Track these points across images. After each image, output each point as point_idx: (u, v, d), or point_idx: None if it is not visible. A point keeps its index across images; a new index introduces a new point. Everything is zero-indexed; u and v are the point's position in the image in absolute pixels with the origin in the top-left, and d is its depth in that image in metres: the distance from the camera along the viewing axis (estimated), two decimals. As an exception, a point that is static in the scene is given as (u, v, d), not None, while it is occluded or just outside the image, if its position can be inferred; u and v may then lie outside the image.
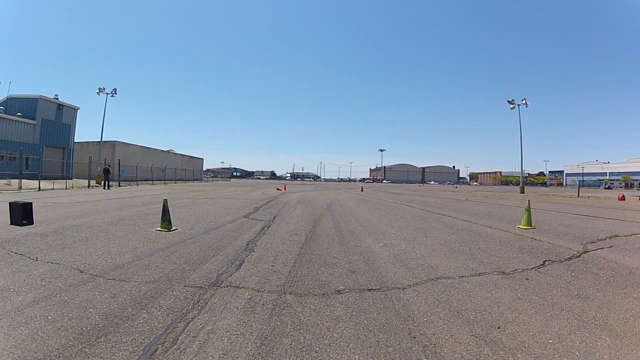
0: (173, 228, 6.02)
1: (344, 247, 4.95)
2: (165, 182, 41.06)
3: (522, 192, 38.53)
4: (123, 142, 44.76)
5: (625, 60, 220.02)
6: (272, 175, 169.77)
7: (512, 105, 43.03)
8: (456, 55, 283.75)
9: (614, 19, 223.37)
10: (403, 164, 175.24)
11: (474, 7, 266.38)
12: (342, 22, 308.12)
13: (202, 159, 74.40)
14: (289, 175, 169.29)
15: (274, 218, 8.00)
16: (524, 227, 7.55)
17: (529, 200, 7.96)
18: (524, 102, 42.85)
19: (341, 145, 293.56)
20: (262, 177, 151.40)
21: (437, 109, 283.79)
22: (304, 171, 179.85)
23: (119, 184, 33.50)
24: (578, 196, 28.56)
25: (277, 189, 25.76)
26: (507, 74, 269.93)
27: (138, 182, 35.92)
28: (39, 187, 23.11)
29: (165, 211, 5.97)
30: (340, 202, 14.19)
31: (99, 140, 41.18)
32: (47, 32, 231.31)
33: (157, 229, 6.02)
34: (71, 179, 37.81)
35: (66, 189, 26.70)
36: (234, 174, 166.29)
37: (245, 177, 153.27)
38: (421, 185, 79.30)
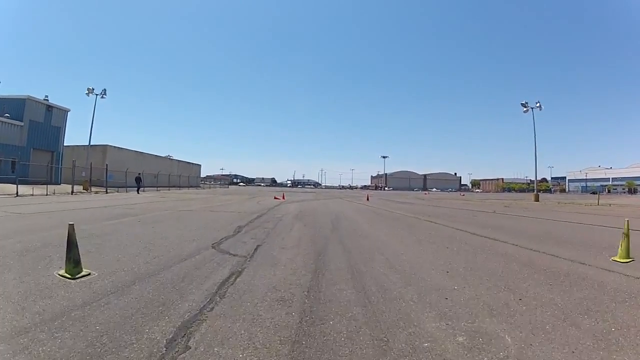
0: (83, 273, 3.60)
1: (386, 345, 2.24)
2: (158, 189, 38.73)
3: (537, 200, 36.09)
4: (115, 147, 42.60)
5: (627, 64, 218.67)
6: (273, 182, 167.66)
7: (525, 109, 40.84)
8: (457, 60, 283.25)
9: (617, 23, 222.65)
10: (404, 171, 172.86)
11: (477, 12, 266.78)
12: (344, 28, 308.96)
13: (200, 165, 72.45)
14: (289, 182, 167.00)
15: (255, 250, 5.38)
16: (623, 260, 5.18)
17: (627, 221, 5.54)
18: (538, 105, 40.65)
19: (342, 153, 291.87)
20: (262, 184, 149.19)
21: (437, 115, 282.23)
22: (305, 178, 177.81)
23: (106, 191, 31.17)
24: (598, 204, 26.15)
25: (275, 198, 23.38)
26: (508, 79, 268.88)
27: (128, 188, 33.59)
28: (17, 192, 21.17)
29: (72, 246, 3.56)
30: (348, 216, 11.73)
31: (89, 144, 39.17)
32: (46, 34, 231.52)
33: (60, 272, 3.64)
34: (59, 184, 35.68)
35: (47, 195, 24.72)
36: (235, 180, 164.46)
37: (246, 184, 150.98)
38: (426, 193, 76.64)
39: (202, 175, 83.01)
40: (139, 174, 33.26)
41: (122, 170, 34.63)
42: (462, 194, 70.56)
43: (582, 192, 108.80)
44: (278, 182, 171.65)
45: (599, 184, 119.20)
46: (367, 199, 25.99)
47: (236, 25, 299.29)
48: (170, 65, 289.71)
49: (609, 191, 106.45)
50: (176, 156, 65.60)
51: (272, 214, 11.34)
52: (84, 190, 30.94)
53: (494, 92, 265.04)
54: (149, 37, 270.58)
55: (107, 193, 30.17)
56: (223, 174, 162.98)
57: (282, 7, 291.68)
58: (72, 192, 27.94)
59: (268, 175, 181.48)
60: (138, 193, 30.52)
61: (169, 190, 39.95)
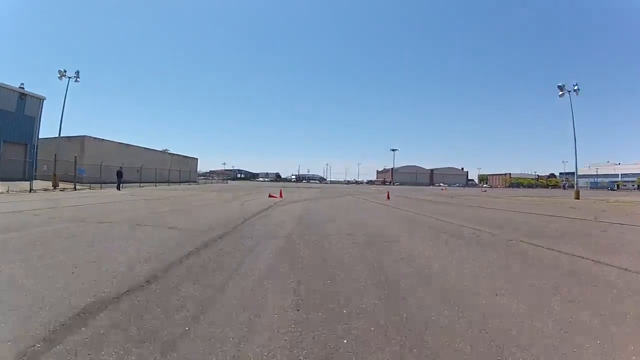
0: None
1: None
2: (141, 185, 34.07)
3: (578, 197, 30.91)
4: (94, 138, 37.83)
5: (630, 60, 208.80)
6: (277, 177, 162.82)
7: (561, 92, 35.31)
8: (457, 59, 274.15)
9: (624, 18, 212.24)
10: (411, 166, 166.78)
11: (482, 8, 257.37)
12: (349, 23, 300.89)
13: (197, 158, 67.65)
14: (294, 177, 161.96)
15: None
16: None
17: None
18: (575, 87, 35.14)
19: (347, 147, 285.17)
20: (266, 179, 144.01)
21: (441, 110, 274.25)
22: (310, 173, 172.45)
23: (75, 187, 26.59)
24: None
25: (270, 196, 18.46)
26: (512, 74, 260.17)
27: (103, 184, 28.96)
28: (-39, 191, 17.72)
29: None
30: (395, 239, 6.48)
31: (67, 135, 34.77)
32: (45, 32, 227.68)
33: None
34: (33, 179, 31.34)
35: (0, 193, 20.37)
36: (238, 175, 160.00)
37: (249, 179, 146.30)
38: (443, 188, 71.04)
39: (203, 170, 78.58)
40: (120, 167, 28.75)
41: (106, 164, 30.13)
42: (483, 190, 64.82)
43: (590, 188, 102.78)
44: (283, 177, 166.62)
45: (608, 179, 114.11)
46: (388, 198, 20.80)
47: (239, 21, 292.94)
48: (170, 65, 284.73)
49: (618, 187, 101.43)
50: (176, 151, 60.87)
51: (247, 234, 6.19)
52: (55, 187, 26.48)
53: (498, 87, 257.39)
54: (151, 37, 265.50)
55: (75, 190, 25.65)
56: (226, 169, 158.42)
57: (290, 4, 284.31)
58: (31, 189, 23.42)
59: (272, 170, 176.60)
60: (118, 189, 26.14)
61: (155, 186, 35.31)
